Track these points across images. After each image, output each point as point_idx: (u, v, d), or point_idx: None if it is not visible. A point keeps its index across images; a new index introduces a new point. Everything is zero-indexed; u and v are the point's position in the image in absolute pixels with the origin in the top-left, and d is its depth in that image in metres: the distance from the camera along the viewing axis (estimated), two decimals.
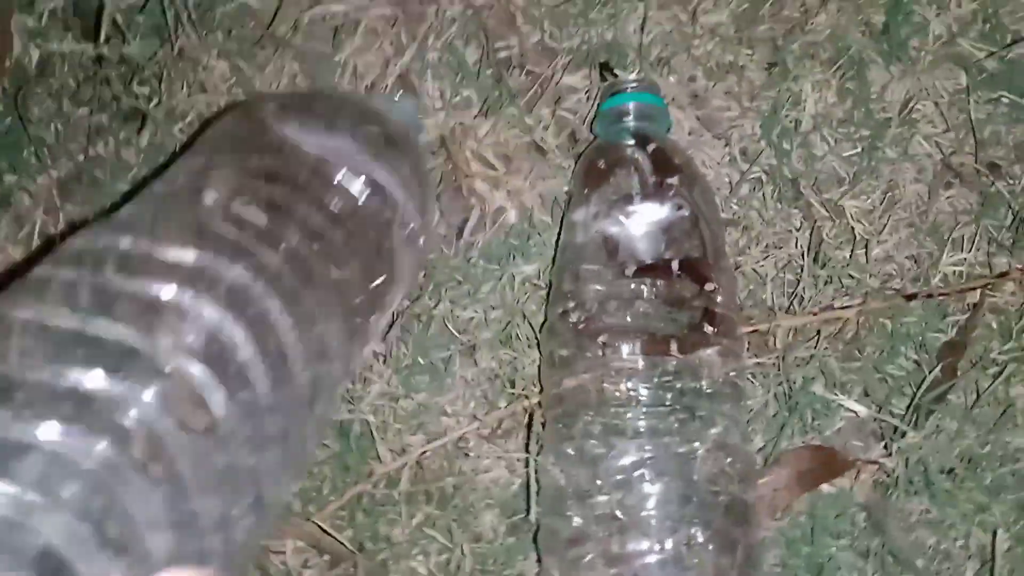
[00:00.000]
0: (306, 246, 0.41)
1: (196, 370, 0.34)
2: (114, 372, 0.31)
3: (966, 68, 0.62)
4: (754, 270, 0.60)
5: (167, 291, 0.35)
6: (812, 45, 0.62)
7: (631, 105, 0.57)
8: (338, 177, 0.46)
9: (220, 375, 0.34)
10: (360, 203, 0.46)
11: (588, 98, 0.62)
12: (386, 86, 0.63)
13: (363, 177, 0.46)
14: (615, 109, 0.57)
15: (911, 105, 0.62)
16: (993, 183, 0.61)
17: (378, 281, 0.47)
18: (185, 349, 0.33)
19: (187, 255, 0.36)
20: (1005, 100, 0.61)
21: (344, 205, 0.45)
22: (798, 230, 0.60)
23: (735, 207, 0.61)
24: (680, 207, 0.52)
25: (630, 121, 0.56)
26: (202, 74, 0.62)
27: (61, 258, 0.37)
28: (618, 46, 0.62)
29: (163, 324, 0.34)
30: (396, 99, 0.57)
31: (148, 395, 0.32)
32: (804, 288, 0.59)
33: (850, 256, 0.60)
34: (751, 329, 0.57)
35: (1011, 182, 0.61)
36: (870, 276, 0.59)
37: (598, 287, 0.51)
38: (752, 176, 0.61)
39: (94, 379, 0.31)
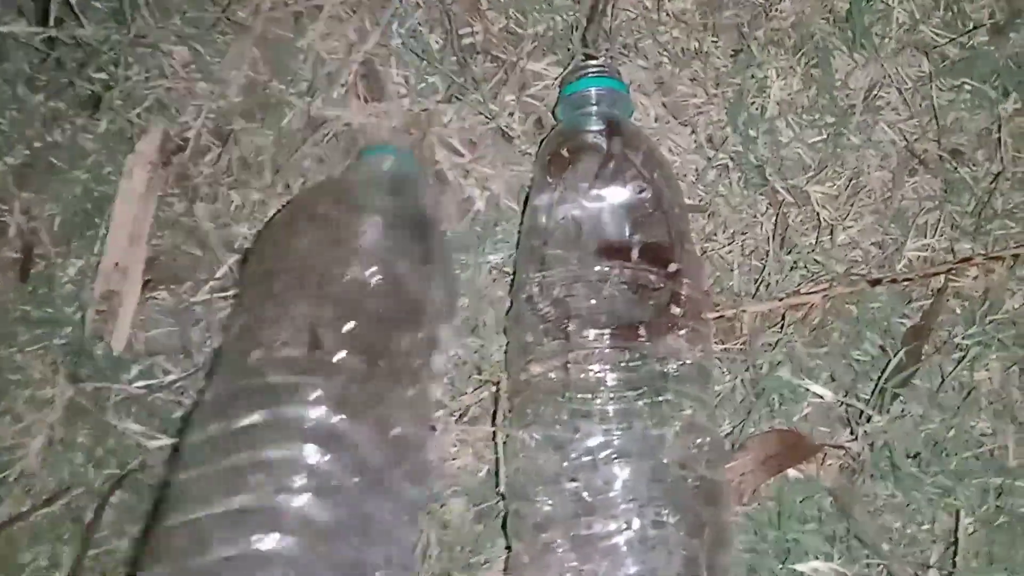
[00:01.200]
0: (348, 349, 0.47)
1: (311, 504, 0.43)
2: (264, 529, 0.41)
3: (928, 55, 0.62)
4: (720, 256, 0.60)
5: (256, 455, 0.43)
6: (777, 32, 0.62)
7: (593, 90, 0.56)
8: (350, 274, 0.49)
9: (325, 495, 0.43)
10: (375, 282, 0.50)
11: (554, 84, 0.61)
12: (350, 72, 0.62)
13: (367, 263, 0.50)
14: (577, 94, 0.57)
15: (875, 92, 0.62)
16: (956, 169, 0.61)
17: (420, 335, 0.51)
18: (296, 491, 0.43)
19: (255, 417, 0.44)
20: (967, 87, 0.62)
21: (362, 290, 0.49)
22: (764, 216, 0.60)
23: (701, 193, 0.61)
24: (643, 191, 0.52)
25: (592, 106, 0.56)
26: (161, 59, 0.61)
27: (187, 459, 0.45)
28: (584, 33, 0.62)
29: (272, 482, 0.43)
30: (388, 153, 0.58)
31: (290, 541, 0.42)
32: (770, 274, 0.59)
33: (815, 242, 0.60)
34: (718, 315, 0.57)
35: (974, 168, 0.61)
36: (835, 262, 0.59)
37: (563, 272, 0.51)
38: (718, 163, 0.61)
39: (269, 541, 0.41)
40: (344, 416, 0.45)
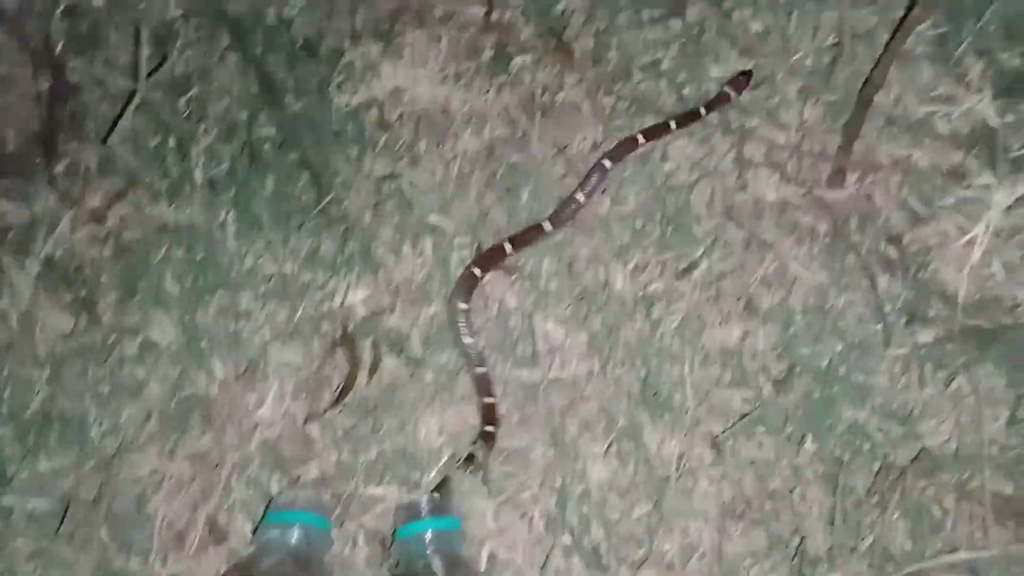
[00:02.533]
0: None
1: None
2: None
3: (727, 413, 0.68)
4: None
5: None
6: (585, 420, 0.68)
7: (428, 533, 0.60)
8: None
9: None
10: None
11: (394, 507, 0.65)
12: (196, 533, 0.64)
13: None
14: (411, 538, 0.60)
15: (686, 456, 0.67)
16: (776, 516, 0.66)
17: None
18: None
19: None
20: (767, 437, 0.67)
21: None
22: None
23: None
24: None
25: (428, 548, 0.59)
26: None
27: None
28: (412, 452, 0.66)
29: None
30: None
31: None
32: None
33: None
34: None
35: (792, 511, 0.66)
36: None
37: None
38: (560, 548, 0.64)
39: None
40: None
